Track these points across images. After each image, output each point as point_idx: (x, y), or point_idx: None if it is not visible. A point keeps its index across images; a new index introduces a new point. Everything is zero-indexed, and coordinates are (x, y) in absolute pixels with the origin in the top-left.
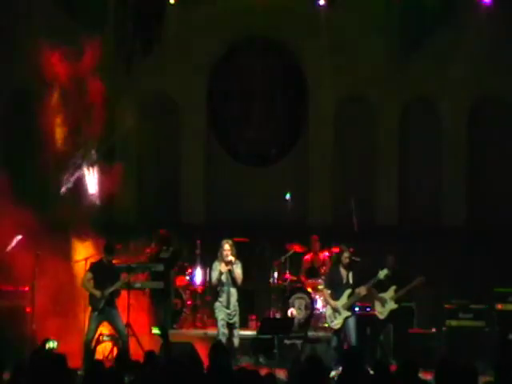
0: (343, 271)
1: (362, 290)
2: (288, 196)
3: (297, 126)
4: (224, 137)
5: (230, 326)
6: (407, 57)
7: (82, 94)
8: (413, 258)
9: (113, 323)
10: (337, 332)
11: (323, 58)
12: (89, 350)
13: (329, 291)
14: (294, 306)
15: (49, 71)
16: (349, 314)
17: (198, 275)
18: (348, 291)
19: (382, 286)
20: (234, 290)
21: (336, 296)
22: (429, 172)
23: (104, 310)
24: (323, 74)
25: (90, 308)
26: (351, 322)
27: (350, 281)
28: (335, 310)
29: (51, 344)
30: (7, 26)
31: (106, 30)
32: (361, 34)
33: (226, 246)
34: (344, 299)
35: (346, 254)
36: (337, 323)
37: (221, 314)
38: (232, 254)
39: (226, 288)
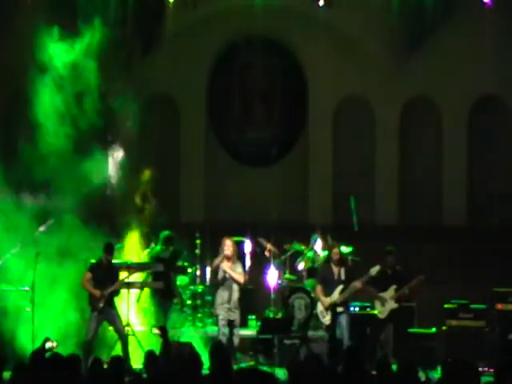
0: (334, 267)
1: (355, 285)
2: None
3: (297, 126)
4: (224, 137)
5: (230, 325)
6: (407, 57)
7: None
8: (413, 258)
9: (112, 323)
10: (329, 327)
11: (323, 57)
12: (88, 350)
13: (320, 287)
14: (293, 306)
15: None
16: (341, 309)
17: (198, 275)
18: (340, 287)
19: (382, 286)
20: (236, 287)
21: (328, 292)
22: (429, 172)
23: (104, 309)
24: (323, 74)
25: (89, 308)
26: (343, 319)
27: (342, 277)
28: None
29: (51, 344)
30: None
31: (105, 29)
32: (361, 33)
33: (228, 242)
34: (336, 295)
35: (335, 251)
36: (328, 319)
37: (221, 312)
38: (233, 252)
39: (228, 283)
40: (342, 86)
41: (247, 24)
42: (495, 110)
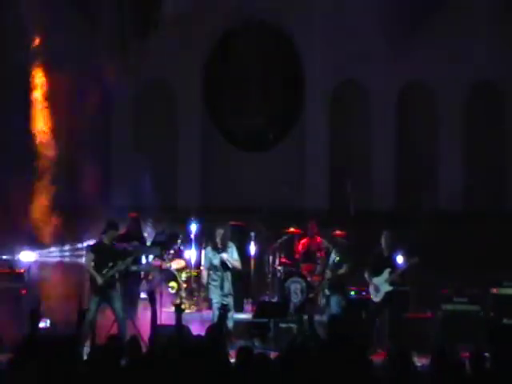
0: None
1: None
2: None
3: (294, 112)
4: (221, 122)
5: (224, 309)
6: (405, 43)
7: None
8: (409, 243)
9: (112, 305)
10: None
11: (321, 43)
12: (88, 331)
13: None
14: (290, 290)
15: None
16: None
17: (194, 258)
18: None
19: (377, 269)
20: (228, 274)
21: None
22: (426, 158)
23: (104, 291)
24: (321, 60)
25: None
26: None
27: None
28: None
29: (44, 322)
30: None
31: (102, 15)
32: (360, 20)
33: (218, 231)
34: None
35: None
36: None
37: (215, 296)
38: (223, 240)
39: (220, 273)
40: (339, 73)
41: (244, 10)
42: (493, 97)
